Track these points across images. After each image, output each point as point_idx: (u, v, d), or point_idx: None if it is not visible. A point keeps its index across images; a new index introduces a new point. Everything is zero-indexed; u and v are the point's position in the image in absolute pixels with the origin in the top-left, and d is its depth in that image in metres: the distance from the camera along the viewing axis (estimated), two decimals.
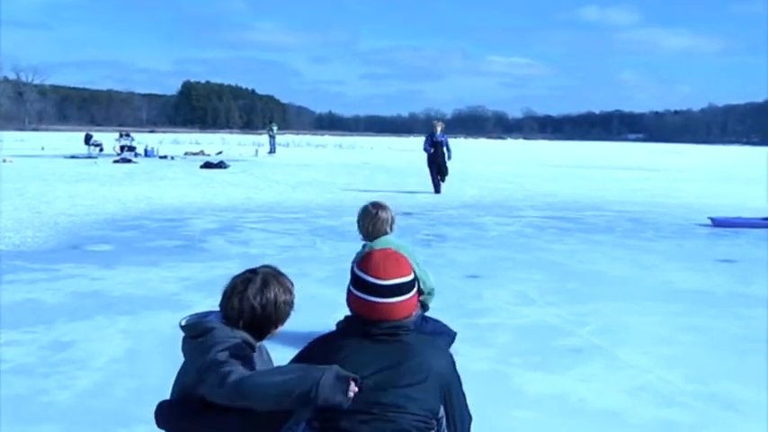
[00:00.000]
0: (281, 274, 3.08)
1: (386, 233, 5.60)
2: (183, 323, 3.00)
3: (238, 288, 2.98)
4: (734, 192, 23.16)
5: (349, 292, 2.87)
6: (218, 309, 3.11)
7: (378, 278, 2.78)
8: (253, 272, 3.05)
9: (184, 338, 2.99)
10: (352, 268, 2.89)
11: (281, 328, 3.12)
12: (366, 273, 2.81)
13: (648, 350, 5.77)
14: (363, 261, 2.85)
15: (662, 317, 6.83)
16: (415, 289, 2.88)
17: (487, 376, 5.01)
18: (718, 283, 8.56)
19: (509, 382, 5.04)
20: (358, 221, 5.74)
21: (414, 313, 2.90)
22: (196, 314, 3.06)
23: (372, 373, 2.67)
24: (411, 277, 2.85)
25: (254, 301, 2.95)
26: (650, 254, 10.57)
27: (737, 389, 4.93)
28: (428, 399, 2.67)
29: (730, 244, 11.78)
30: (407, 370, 2.67)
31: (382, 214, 5.66)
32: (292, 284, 3.10)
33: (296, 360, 2.91)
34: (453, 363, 2.85)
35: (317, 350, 2.87)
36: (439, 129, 20.72)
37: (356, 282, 2.84)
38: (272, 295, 2.99)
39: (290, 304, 3.04)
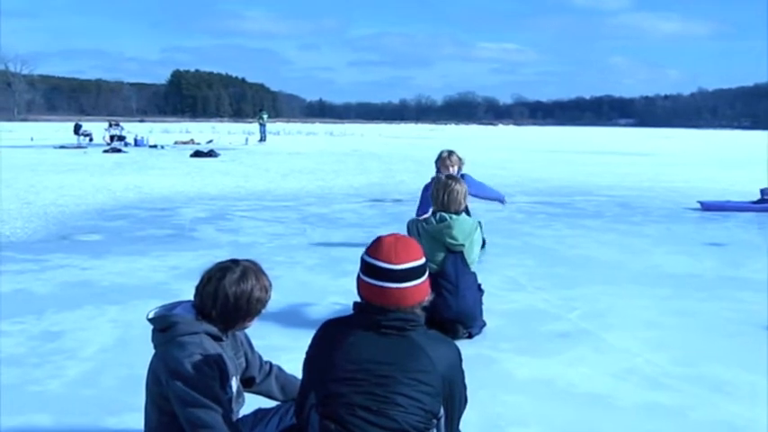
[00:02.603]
0: (262, 272, 3.11)
1: (460, 204, 5.80)
2: (150, 316, 3.03)
3: (217, 275, 3.01)
4: (723, 176, 23.23)
5: (359, 279, 2.84)
6: (186, 299, 3.14)
7: (389, 263, 2.74)
8: (234, 262, 3.08)
9: (153, 330, 3.03)
10: (362, 256, 2.85)
11: (251, 324, 3.14)
12: (377, 258, 2.77)
13: (636, 334, 5.80)
14: (373, 247, 2.82)
15: (650, 300, 6.86)
16: (427, 273, 2.85)
17: (476, 361, 5.01)
18: (707, 266, 8.60)
19: (497, 366, 5.06)
20: (432, 193, 5.96)
21: (426, 299, 2.86)
22: (163, 306, 3.10)
23: (376, 368, 2.66)
24: (422, 261, 2.82)
25: (229, 291, 2.99)
26: (639, 238, 10.61)
27: (724, 371, 4.96)
28: (430, 400, 2.66)
29: (719, 227, 11.83)
30: (412, 369, 2.65)
31: (456, 186, 5.84)
32: (270, 285, 3.13)
33: (308, 348, 2.90)
34: (460, 358, 2.82)
35: (325, 337, 2.86)
36: (453, 168, 9.04)
37: (366, 268, 2.80)
38: (248, 288, 3.02)
39: (262, 302, 3.06)
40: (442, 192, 5.80)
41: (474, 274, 5.76)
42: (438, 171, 8.85)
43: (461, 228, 5.65)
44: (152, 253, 8.80)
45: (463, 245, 5.62)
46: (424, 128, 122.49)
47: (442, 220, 5.66)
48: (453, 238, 5.59)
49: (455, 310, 5.47)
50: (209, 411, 2.81)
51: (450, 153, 9.20)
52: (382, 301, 2.75)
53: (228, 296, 2.98)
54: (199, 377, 2.83)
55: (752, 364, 5.11)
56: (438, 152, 9.14)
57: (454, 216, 5.68)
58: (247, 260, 3.14)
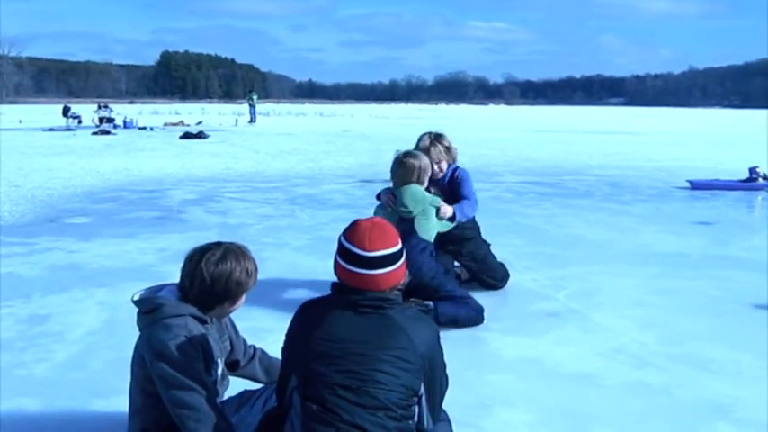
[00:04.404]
0: (246, 255, 3.08)
1: (412, 178, 5.59)
2: (135, 298, 3.02)
3: (196, 257, 3.00)
4: (713, 154, 23.28)
5: (335, 260, 2.86)
6: (171, 282, 3.13)
7: (363, 249, 2.76)
8: (217, 243, 3.07)
9: (138, 313, 3.02)
10: (339, 237, 2.87)
11: (233, 307, 3.12)
12: (351, 243, 2.79)
13: (624, 313, 5.82)
14: (349, 231, 2.84)
15: (638, 279, 6.88)
16: (402, 260, 2.87)
17: (464, 341, 5.05)
18: (695, 245, 8.63)
19: (485, 346, 5.07)
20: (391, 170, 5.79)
21: (401, 283, 2.89)
22: (149, 288, 3.09)
23: (355, 347, 2.67)
24: (397, 248, 2.84)
25: (206, 272, 2.97)
26: (628, 217, 10.64)
27: (710, 349, 4.99)
28: (409, 377, 2.67)
29: (708, 206, 11.88)
30: (390, 346, 2.66)
31: (410, 160, 5.63)
32: (255, 269, 3.09)
33: (287, 330, 2.92)
34: (437, 335, 2.85)
35: (303, 318, 2.87)
36: (441, 164, 6.28)
37: (342, 252, 2.83)
38: (227, 270, 3.00)
39: (242, 285, 3.03)
40: (395, 167, 5.68)
41: (425, 241, 5.58)
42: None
43: (412, 195, 5.56)
44: (140, 235, 8.77)
45: (412, 212, 5.55)
46: (415, 108, 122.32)
47: (383, 190, 5.69)
48: (404, 205, 5.53)
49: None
50: (193, 393, 2.81)
51: (437, 139, 6.34)
52: (355, 284, 2.79)
53: (205, 277, 2.97)
54: (183, 359, 2.82)
55: (737, 342, 5.13)
56: (418, 136, 6.44)
57: (403, 187, 5.58)
58: (233, 243, 3.13)
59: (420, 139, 6.35)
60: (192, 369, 2.84)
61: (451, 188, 6.30)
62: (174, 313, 2.92)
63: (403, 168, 5.61)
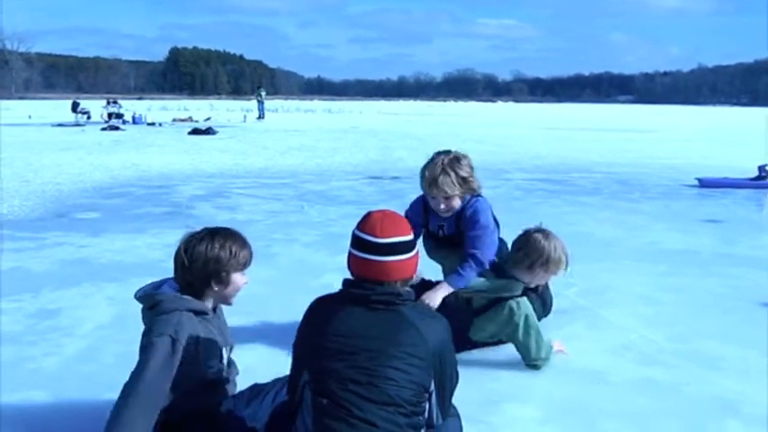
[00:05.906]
0: (231, 236, 3.07)
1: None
2: (138, 295, 3.04)
3: (180, 245, 3.02)
4: (721, 152, 23.21)
5: (349, 254, 2.89)
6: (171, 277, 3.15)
7: (373, 236, 2.79)
8: (205, 228, 3.08)
9: (142, 309, 3.04)
10: (353, 231, 2.90)
11: (226, 290, 3.09)
12: (363, 231, 2.82)
13: (632, 310, 5.82)
14: (362, 222, 2.87)
15: (647, 277, 6.87)
16: (414, 251, 2.88)
17: None
18: (704, 243, 8.61)
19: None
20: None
21: (414, 277, 2.92)
22: (150, 284, 3.11)
23: (367, 342, 2.69)
24: (408, 237, 2.85)
25: (185, 256, 2.99)
26: (637, 215, 10.62)
27: (719, 347, 4.98)
28: (420, 374, 2.68)
29: (717, 204, 11.86)
30: (402, 342, 2.68)
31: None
32: (244, 249, 3.07)
33: (299, 325, 2.93)
34: (448, 332, 2.86)
35: (315, 314, 2.90)
36: (453, 199, 4.65)
37: (354, 241, 2.86)
38: (203, 248, 2.99)
39: (222, 262, 3.00)
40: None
41: None
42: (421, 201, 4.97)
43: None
44: (150, 231, 8.80)
45: None
46: (423, 105, 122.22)
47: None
48: None
49: None
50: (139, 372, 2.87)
51: (454, 162, 4.64)
52: (366, 273, 2.80)
53: (184, 258, 2.99)
54: (155, 352, 2.87)
55: (745, 339, 5.13)
56: (428, 158, 4.79)
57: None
58: (223, 227, 3.15)
59: (430, 162, 4.70)
60: (155, 359, 2.85)
61: (458, 229, 4.81)
62: (170, 309, 2.94)
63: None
